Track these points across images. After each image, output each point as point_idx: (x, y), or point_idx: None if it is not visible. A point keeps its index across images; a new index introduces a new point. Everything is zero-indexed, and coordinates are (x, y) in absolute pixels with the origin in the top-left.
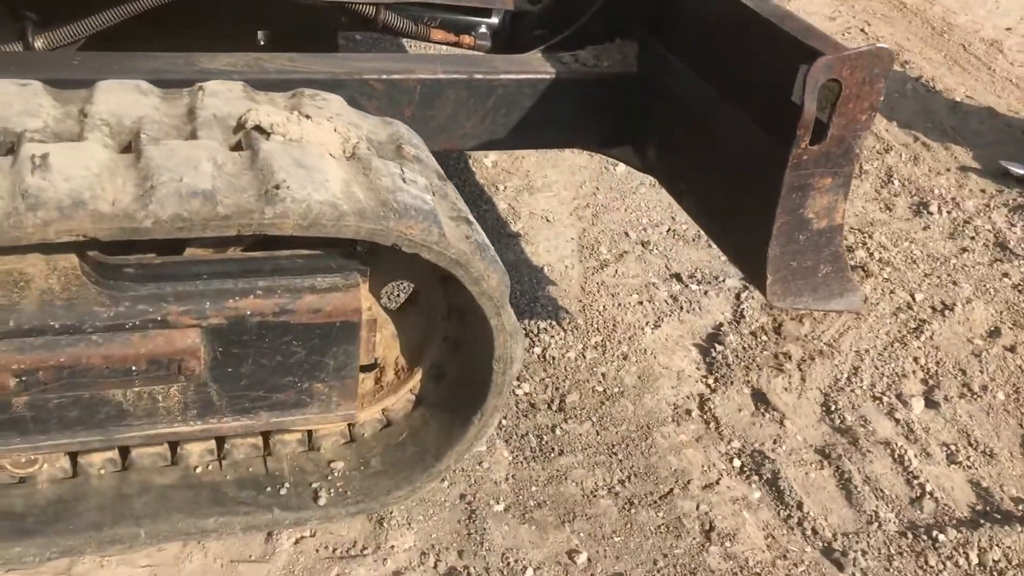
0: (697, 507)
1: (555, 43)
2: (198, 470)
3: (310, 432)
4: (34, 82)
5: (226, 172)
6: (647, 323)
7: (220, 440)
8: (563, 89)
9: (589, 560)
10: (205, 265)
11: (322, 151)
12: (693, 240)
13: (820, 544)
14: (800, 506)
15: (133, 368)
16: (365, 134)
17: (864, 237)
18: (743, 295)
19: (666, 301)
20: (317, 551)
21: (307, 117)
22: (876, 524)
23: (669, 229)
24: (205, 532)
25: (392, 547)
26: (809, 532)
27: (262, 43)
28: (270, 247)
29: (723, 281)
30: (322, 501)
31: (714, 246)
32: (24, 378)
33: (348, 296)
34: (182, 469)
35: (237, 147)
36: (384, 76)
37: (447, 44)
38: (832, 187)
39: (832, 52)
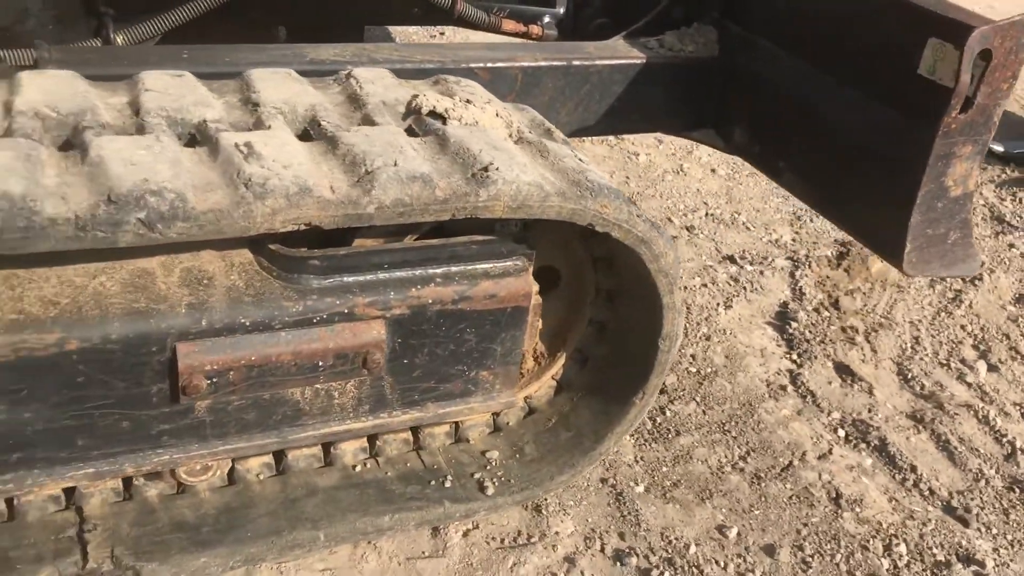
0: (819, 477)
1: (636, 29)
2: (357, 469)
3: (456, 424)
4: (186, 72)
5: (424, 156)
6: (717, 304)
7: (371, 438)
8: (653, 74)
9: (739, 534)
10: (386, 255)
11: (501, 134)
12: (731, 223)
13: (939, 503)
14: (913, 469)
15: (320, 364)
16: (518, 118)
17: None
18: (796, 274)
19: (728, 283)
20: (487, 542)
21: (468, 102)
22: (983, 481)
23: (707, 213)
24: (381, 530)
25: (556, 533)
26: (927, 492)
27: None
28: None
29: (772, 261)
30: (490, 491)
31: (753, 228)
32: (215, 379)
33: (520, 281)
34: (340, 469)
35: (410, 132)
36: (489, 64)
37: (517, 35)
38: (970, 155)
39: (977, 23)
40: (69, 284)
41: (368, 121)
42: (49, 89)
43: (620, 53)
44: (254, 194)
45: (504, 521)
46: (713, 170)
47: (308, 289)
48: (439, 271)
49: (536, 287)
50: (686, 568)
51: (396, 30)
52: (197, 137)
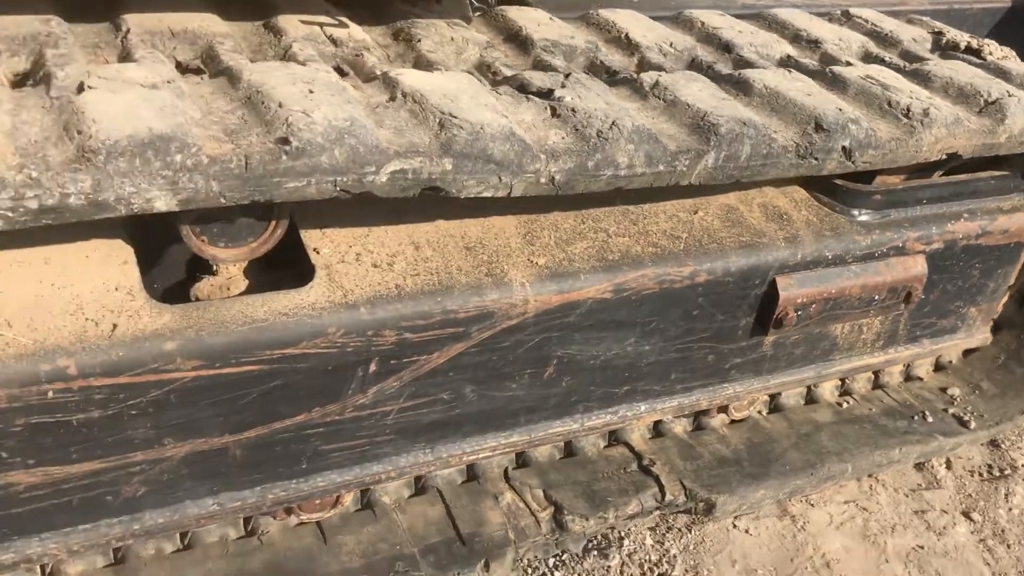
0: None
1: None
2: (843, 407)
3: (906, 364)
4: (724, 12)
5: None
6: None
7: (842, 378)
8: (1017, 16)
9: None
10: (928, 190)
11: None
12: None
13: None
14: None
15: (875, 298)
16: None
17: None
18: None
19: None
20: (972, 475)
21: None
22: None
23: None
24: (892, 462)
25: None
26: None
27: None
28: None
29: None
30: (972, 425)
31: None
32: (800, 312)
33: None
34: (826, 406)
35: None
36: (882, 9)
37: None
38: None
39: None
40: (677, 219)
41: (910, 57)
42: (644, 26)
43: None
44: (922, 124)
45: (970, 455)
46: None
47: (869, 224)
48: (965, 207)
49: None
50: None
51: None
52: (791, 71)
